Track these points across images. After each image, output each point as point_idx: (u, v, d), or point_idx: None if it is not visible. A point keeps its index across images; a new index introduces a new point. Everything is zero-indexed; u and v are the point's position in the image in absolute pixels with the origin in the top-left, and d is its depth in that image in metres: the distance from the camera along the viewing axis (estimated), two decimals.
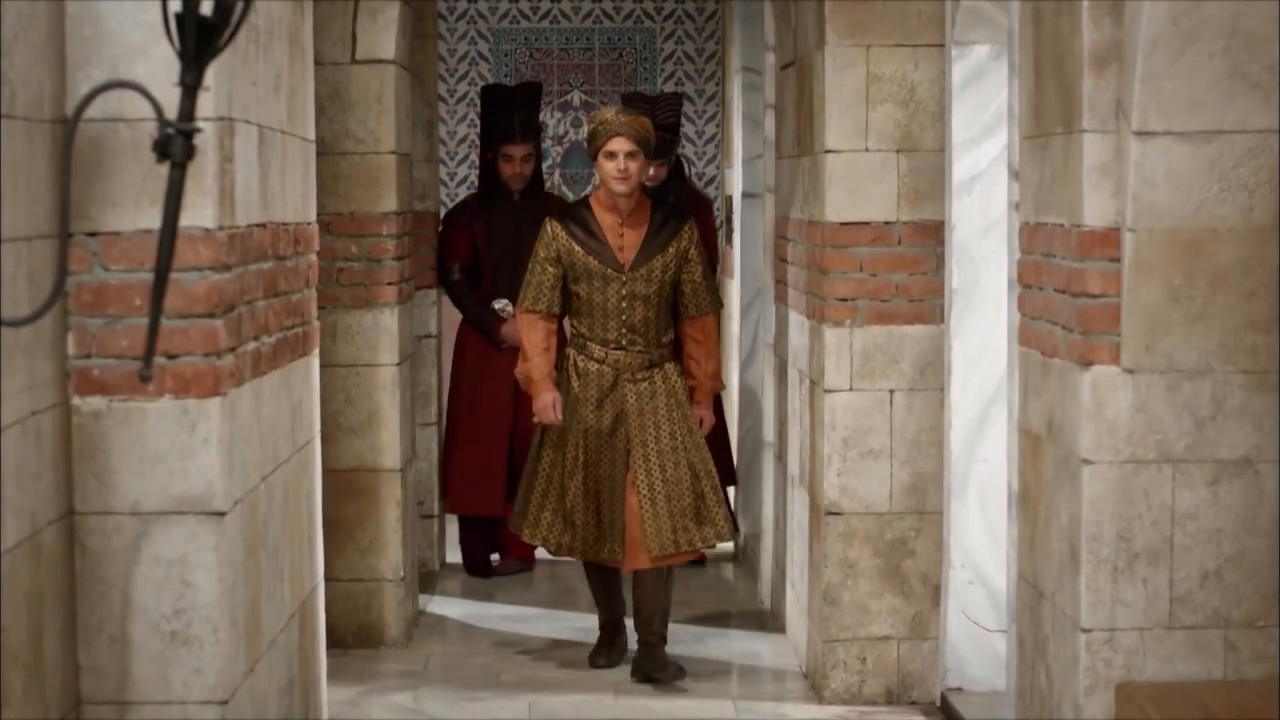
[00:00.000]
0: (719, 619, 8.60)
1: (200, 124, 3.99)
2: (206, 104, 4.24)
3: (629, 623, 7.75)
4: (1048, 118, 5.24)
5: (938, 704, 6.96)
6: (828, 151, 6.92)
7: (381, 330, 7.86)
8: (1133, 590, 4.91)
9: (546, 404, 7.39)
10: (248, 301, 4.65)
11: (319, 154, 7.30)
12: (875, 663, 7.03)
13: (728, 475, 9.63)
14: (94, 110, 4.16)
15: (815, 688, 7.22)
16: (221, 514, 4.33)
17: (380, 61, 7.77)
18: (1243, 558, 4.91)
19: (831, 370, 6.96)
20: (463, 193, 12.68)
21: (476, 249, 9.37)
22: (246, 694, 4.57)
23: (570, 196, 12.72)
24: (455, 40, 13.11)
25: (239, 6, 3.78)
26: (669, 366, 7.50)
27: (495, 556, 9.65)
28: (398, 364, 7.91)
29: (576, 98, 13.15)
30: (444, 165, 12.96)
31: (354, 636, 7.89)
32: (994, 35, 6.61)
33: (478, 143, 10.78)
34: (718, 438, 9.18)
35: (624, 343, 7.46)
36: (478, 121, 10.76)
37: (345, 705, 7.06)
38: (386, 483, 7.92)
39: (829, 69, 6.91)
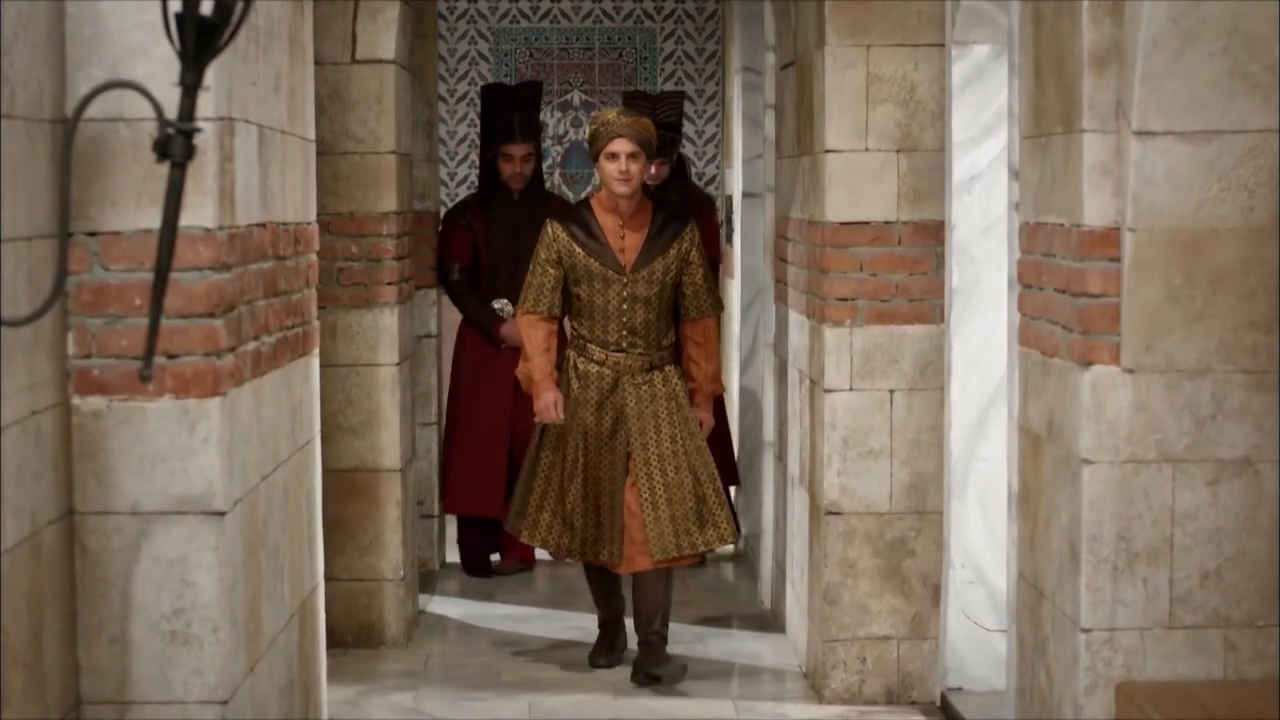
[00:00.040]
0: (719, 619, 8.59)
1: (200, 124, 3.99)
2: (206, 104, 4.24)
3: (629, 622, 7.74)
4: (1048, 118, 5.24)
5: (938, 704, 6.96)
6: (828, 151, 6.92)
7: (381, 330, 7.86)
8: (1133, 590, 4.91)
9: (548, 403, 7.39)
10: (248, 301, 4.65)
11: (319, 154, 7.29)
12: (875, 662, 7.03)
13: (730, 475, 9.63)
14: (94, 110, 4.15)
15: (815, 688, 7.22)
16: (221, 514, 4.33)
17: (380, 61, 7.77)
18: (1243, 557, 4.91)
19: (831, 370, 6.96)
20: (463, 193, 12.68)
21: (476, 249, 9.36)
22: (246, 694, 4.57)
23: (570, 196, 12.72)
24: (455, 40, 13.11)
25: (239, 6, 3.78)
26: (669, 369, 7.49)
27: (496, 557, 9.65)
28: (398, 364, 7.91)
29: (576, 97, 13.15)
30: (444, 165, 12.96)
31: (354, 636, 7.89)
32: (994, 35, 6.61)
33: (478, 142, 10.78)
34: (719, 437, 9.18)
35: (624, 345, 7.45)
36: (478, 121, 10.76)
37: (345, 705, 7.06)
38: (386, 482, 7.92)
39: (829, 69, 6.91)
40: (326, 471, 6.46)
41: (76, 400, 4.27)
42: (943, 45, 6.85)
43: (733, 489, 9.74)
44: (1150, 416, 4.89)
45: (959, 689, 6.83)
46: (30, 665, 3.96)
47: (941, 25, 6.85)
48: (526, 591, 9.21)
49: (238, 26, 3.79)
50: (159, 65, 4.16)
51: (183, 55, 3.76)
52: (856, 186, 6.91)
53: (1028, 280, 5.42)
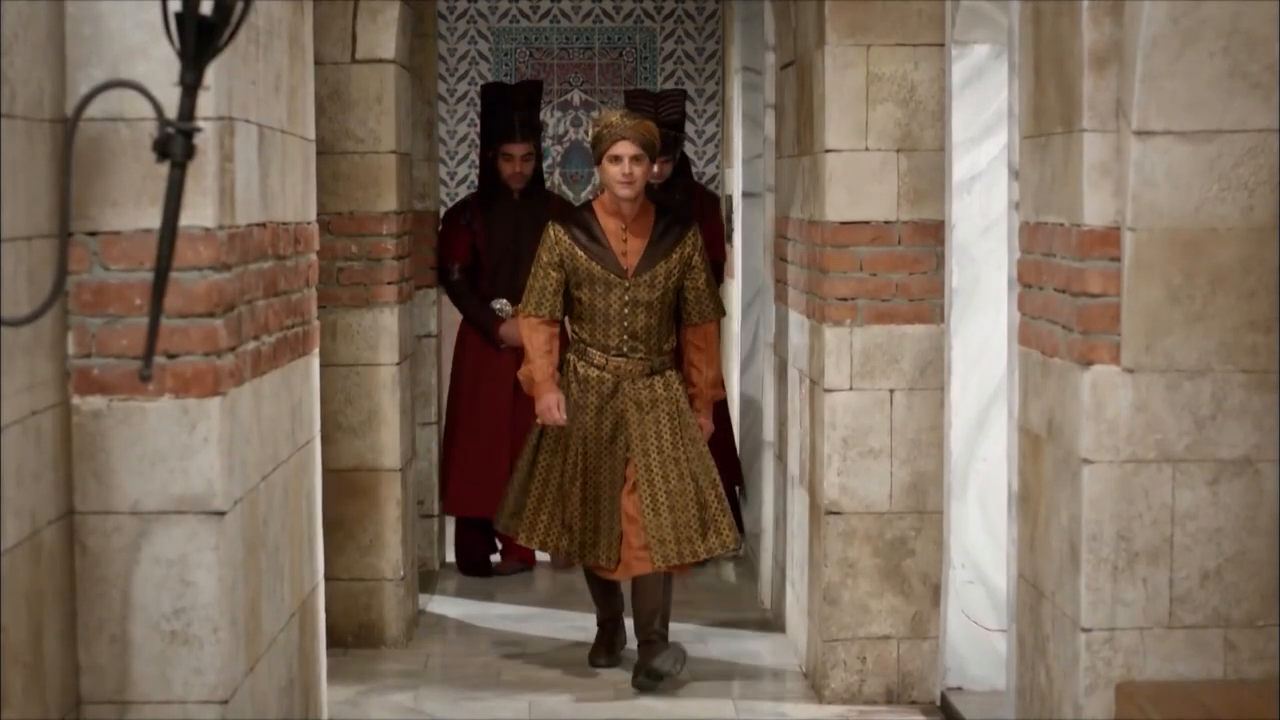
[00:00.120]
0: (719, 619, 8.59)
1: (200, 123, 3.99)
2: (206, 103, 4.24)
3: (628, 621, 7.74)
4: (1048, 117, 5.24)
5: (938, 703, 6.96)
6: (828, 151, 6.92)
7: (381, 330, 7.86)
8: (1133, 590, 4.91)
9: (550, 404, 7.37)
10: (248, 301, 4.65)
11: (319, 154, 7.29)
12: (875, 662, 7.03)
13: (733, 476, 9.63)
14: (94, 110, 4.15)
15: (815, 687, 7.22)
16: (221, 513, 4.33)
17: (380, 61, 7.77)
18: (1243, 557, 4.91)
19: (831, 370, 6.96)
20: (463, 193, 12.68)
21: (476, 248, 9.36)
22: (246, 694, 4.57)
23: (570, 196, 12.73)
24: (455, 40, 13.11)
25: (239, 6, 3.78)
26: (670, 374, 7.47)
27: (496, 557, 9.65)
28: (398, 363, 7.91)
29: (576, 97, 13.15)
30: (444, 165, 12.96)
31: (354, 636, 7.89)
32: (994, 35, 6.61)
33: (478, 142, 10.78)
34: (722, 439, 9.18)
35: (625, 349, 7.44)
36: (478, 121, 10.76)
37: (345, 705, 7.05)
38: (386, 482, 7.92)
39: (829, 69, 6.91)
40: (326, 471, 6.46)
41: (76, 400, 4.28)
42: (943, 45, 6.85)
43: (736, 488, 9.74)
44: (1150, 416, 4.89)
45: (959, 689, 6.83)
46: (30, 665, 3.96)
47: (941, 25, 6.85)
48: (526, 591, 9.21)
49: (238, 26, 3.79)
50: (159, 65, 4.16)
51: (183, 55, 3.76)
52: (856, 186, 6.91)
53: (1028, 280, 5.42)
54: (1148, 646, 4.91)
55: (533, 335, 7.45)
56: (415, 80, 8.93)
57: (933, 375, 6.93)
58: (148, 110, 3.92)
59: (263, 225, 4.85)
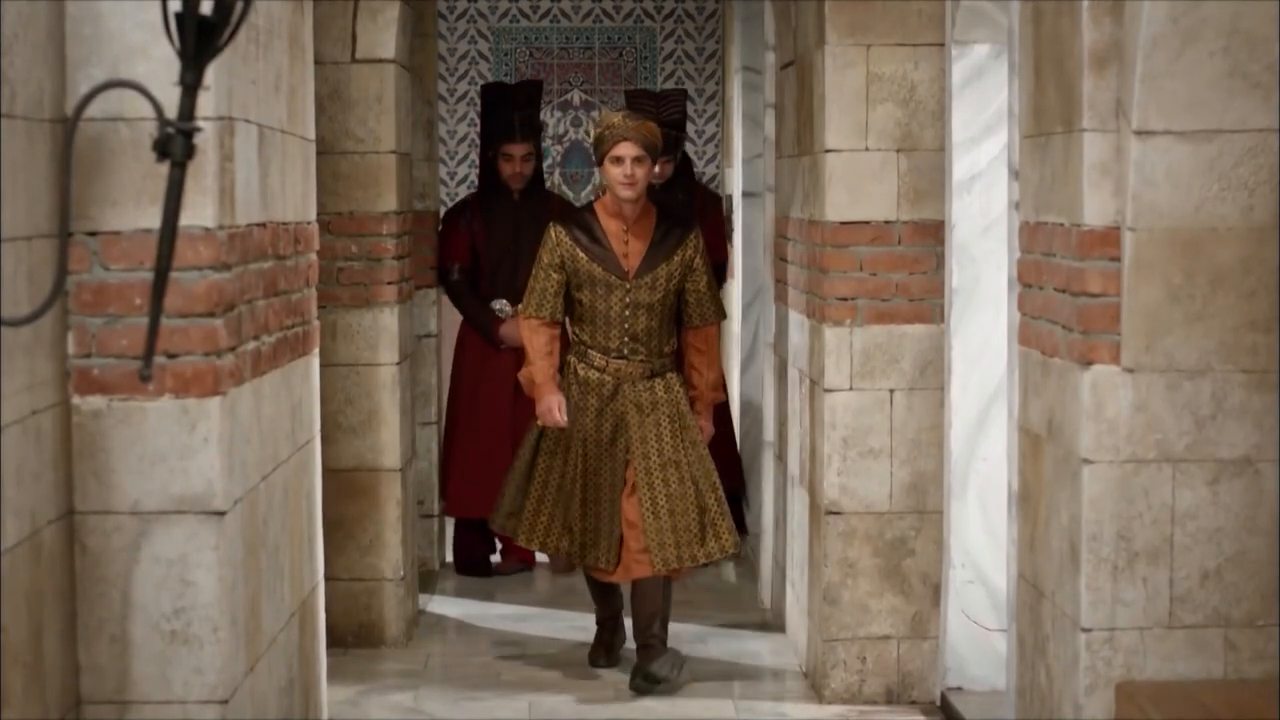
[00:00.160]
0: (719, 619, 8.59)
1: (200, 123, 3.99)
2: (206, 103, 4.24)
3: (628, 621, 7.73)
4: (1048, 117, 5.24)
5: (938, 703, 6.96)
6: (828, 151, 6.92)
7: (381, 330, 7.86)
8: (1133, 590, 4.91)
9: (551, 406, 7.37)
10: (248, 301, 4.65)
11: (319, 153, 7.29)
12: (875, 662, 7.03)
13: (734, 479, 9.63)
14: (94, 110, 4.15)
15: (815, 687, 7.22)
16: (221, 513, 4.33)
17: (380, 61, 7.77)
18: (1243, 557, 4.91)
19: (831, 370, 6.96)
20: (463, 193, 12.68)
21: (476, 249, 9.36)
22: (246, 693, 4.57)
23: (570, 196, 12.73)
24: (455, 39, 13.11)
25: (239, 6, 3.78)
26: (671, 376, 7.46)
27: (496, 557, 9.65)
28: (398, 363, 7.91)
29: (576, 97, 13.15)
30: (444, 165, 12.96)
31: (354, 636, 7.89)
32: (994, 35, 6.61)
33: (478, 142, 10.78)
34: (723, 442, 9.18)
35: (625, 351, 7.43)
36: (478, 121, 10.76)
37: (345, 705, 7.05)
38: (386, 482, 7.92)
39: (829, 68, 6.91)
40: (326, 471, 6.46)
41: (76, 400, 4.28)
42: (943, 45, 6.85)
43: (741, 500, 9.74)
44: (1150, 416, 4.89)
45: (959, 689, 6.83)
46: (30, 665, 3.96)
47: (941, 25, 6.85)
48: (526, 591, 9.21)
49: (238, 26, 3.79)
50: (159, 65, 4.17)
51: (183, 55, 3.76)
52: (856, 186, 6.91)
53: (1028, 280, 5.42)
54: (1148, 646, 4.91)
55: (533, 337, 7.44)
56: (415, 80, 8.93)
57: (933, 375, 6.93)
58: (148, 110, 3.92)
59: (263, 225, 4.85)
